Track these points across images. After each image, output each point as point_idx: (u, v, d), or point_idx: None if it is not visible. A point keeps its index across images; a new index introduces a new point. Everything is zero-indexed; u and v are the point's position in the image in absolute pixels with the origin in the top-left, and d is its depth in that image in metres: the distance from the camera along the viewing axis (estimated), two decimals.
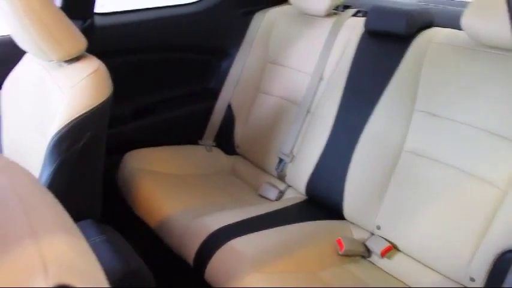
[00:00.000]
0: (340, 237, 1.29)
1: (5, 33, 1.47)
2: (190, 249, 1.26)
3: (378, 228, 1.31)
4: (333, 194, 1.40)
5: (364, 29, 1.46)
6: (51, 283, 0.39)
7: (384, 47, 1.41)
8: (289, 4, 1.71)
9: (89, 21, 1.54)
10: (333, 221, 1.40)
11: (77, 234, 0.51)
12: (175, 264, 1.34)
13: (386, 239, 1.29)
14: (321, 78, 1.56)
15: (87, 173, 1.17)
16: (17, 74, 1.34)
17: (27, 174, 0.58)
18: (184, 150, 1.79)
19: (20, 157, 1.27)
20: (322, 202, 1.45)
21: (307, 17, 1.67)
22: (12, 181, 0.53)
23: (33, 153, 1.19)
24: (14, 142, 1.33)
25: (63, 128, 1.06)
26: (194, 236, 1.27)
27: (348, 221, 1.40)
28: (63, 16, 1.10)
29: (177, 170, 1.67)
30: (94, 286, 0.43)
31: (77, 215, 1.11)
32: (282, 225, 1.32)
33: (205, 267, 1.20)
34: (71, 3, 1.44)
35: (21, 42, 1.13)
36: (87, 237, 1.04)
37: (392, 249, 1.28)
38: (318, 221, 1.38)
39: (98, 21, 1.60)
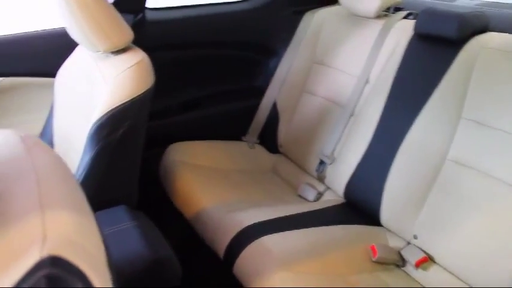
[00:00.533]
0: (374, 244, 1.26)
1: (60, 26, 1.55)
2: (221, 243, 1.28)
3: (415, 237, 1.27)
4: (371, 199, 1.37)
5: (413, 32, 1.42)
6: (45, 253, 0.41)
7: (433, 51, 1.36)
8: (339, 5, 1.69)
9: (140, 15, 1.59)
10: (368, 227, 1.37)
11: (86, 214, 0.53)
12: (207, 256, 1.36)
13: (422, 250, 1.25)
14: (366, 81, 1.53)
15: (125, 160, 1.21)
16: (70, 64, 1.40)
17: (54, 156, 0.61)
18: (227, 146, 1.81)
19: (69, 143, 1.34)
20: (360, 206, 1.43)
21: (356, 18, 1.65)
22: (35, 159, 0.56)
23: (80, 139, 1.24)
24: (63, 128, 1.40)
25: (103, 115, 1.11)
26: (226, 230, 1.28)
27: (385, 227, 1.37)
28: (112, 10, 1.15)
29: (219, 164, 1.69)
30: (91, 264, 0.44)
31: (113, 200, 1.17)
32: (316, 227, 1.31)
33: (234, 261, 1.21)
34: None
35: (74, 34, 1.19)
36: (119, 222, 1.09)
37: (428, 260, 1.23)
38: (353, 225, 1.36)
39: (149, 15, 1.65)
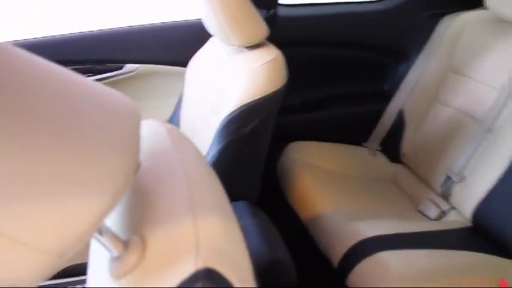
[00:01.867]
0: (505, 278, 1.15)
1: (197, 17, 1.61)
2: (337, 251, 1.24)
3: None
4: (505, 227, 1.25)
5: None
6: (201, 264, 0.41)
7: None
8: (485, 9, 1.54)
9: (272, 11, 1.59)
10: (498, 258, 1.24)
11: (232, 218, 0.52)
12: (319, 262, 1.34)
13: None
14: (509, 95, 1.39)
15: (250, 156, 1.22)
16: (202, 55, 1.45)
17: (196, 151, 0.62)
18: (347, 150, 1.77)
19: (195, 132, 1.38)
20: (490, 234, 1.30)
21: (505, 25, 1.49)
22: (182, 156, 0.57)
23: (206, 131, 1.27)
24: (191, 117, 1.45)
25: (235, 110, 1.12)
26: (344, 239, 1.25)
27: None
28: (249, 5, 1.16)
29: (337, 168, 1.66)
30: (240, 276, 0.43)
31: (235, 195, 1.17)
32: (438, 249, 1.22)
33: (349, 272, 1.18)
34: None
35: (210, 26, 1.22)
36: (240, 218, 1.09)
37: None
38: (480, 254, 1.25)
39: (281, 11, 1.65)
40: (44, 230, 0.32)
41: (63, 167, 0.33)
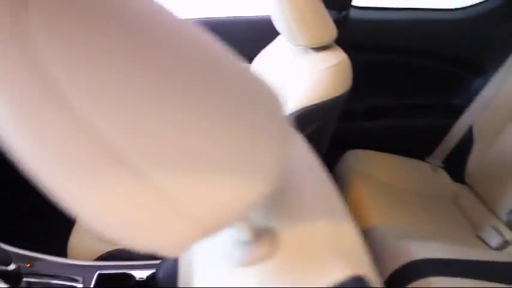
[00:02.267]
0: None
1: (265, 14, 1.58)
2: (385, 269, 1.19)
3: None
4: None
5: None
6: (349, 272, 0.39)
7: None
8: None
9: (344, 12, 1.53)
10: None
11: (353, 223, 0.51)
12: None
13: None
14: None
15: None
16: (268, 52, 1.42)
17: (313, 154, 0.60)
18: (408, 163, 1.68)
19: None
20: None
21: None
22: (304, 153, 0.56)
23: None
24: None
25: (294, 112, 1.08)
26: (394, 256, 1.19)
27: None
28: (321, 6, 1.12)
29: (395, 181, 1.59)
30: (379, 282, 0.42)
31: None
32: (498, 282, 1.13)
33: None
34: None
35: (277, 24, 1.19)
36: None
37: None
38: None
39: (353, 14, 1.59)
40: (208, 201, 0.30)
41: (237, 142, 0.31)
